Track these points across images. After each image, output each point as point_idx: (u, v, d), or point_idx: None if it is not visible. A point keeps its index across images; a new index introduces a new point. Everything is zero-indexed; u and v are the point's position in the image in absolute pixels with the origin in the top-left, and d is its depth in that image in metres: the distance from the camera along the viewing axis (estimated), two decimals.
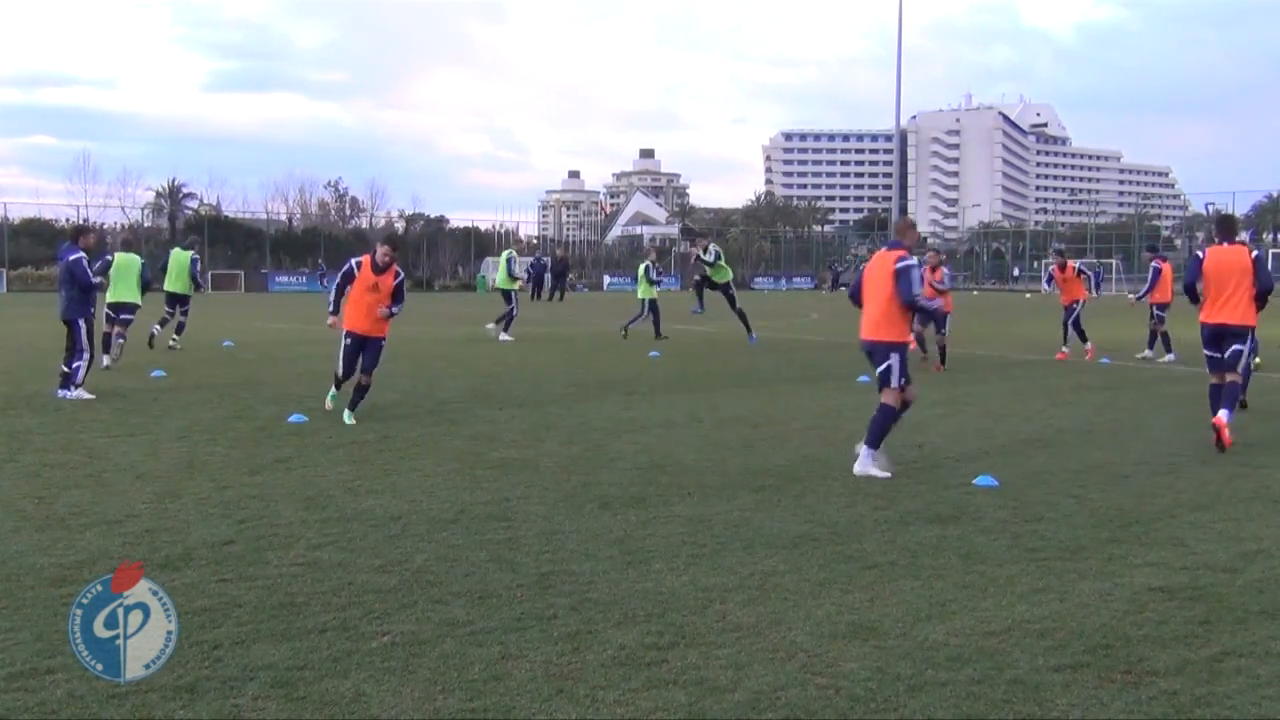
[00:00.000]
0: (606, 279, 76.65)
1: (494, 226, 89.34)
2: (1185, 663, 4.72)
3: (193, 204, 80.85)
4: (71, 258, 13.26)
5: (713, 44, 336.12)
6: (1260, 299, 10.36)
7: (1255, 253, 10.45)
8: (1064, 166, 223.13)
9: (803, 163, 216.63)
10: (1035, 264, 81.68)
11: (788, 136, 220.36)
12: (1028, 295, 61.38)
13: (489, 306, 43.66)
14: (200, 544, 6.52)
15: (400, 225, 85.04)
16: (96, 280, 13.44)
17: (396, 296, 11.37)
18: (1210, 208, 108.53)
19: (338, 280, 11.51)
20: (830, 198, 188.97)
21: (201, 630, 4.98)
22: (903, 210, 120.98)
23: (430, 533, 6.84)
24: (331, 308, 11.40)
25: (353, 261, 11.46)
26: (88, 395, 12.98)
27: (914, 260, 8.94)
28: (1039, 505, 7.72)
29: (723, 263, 22.19)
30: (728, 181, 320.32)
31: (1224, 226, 11.23)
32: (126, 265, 17.66)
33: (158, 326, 20.29)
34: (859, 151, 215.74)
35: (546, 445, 10.12)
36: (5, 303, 43.63)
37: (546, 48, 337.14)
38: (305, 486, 8.20)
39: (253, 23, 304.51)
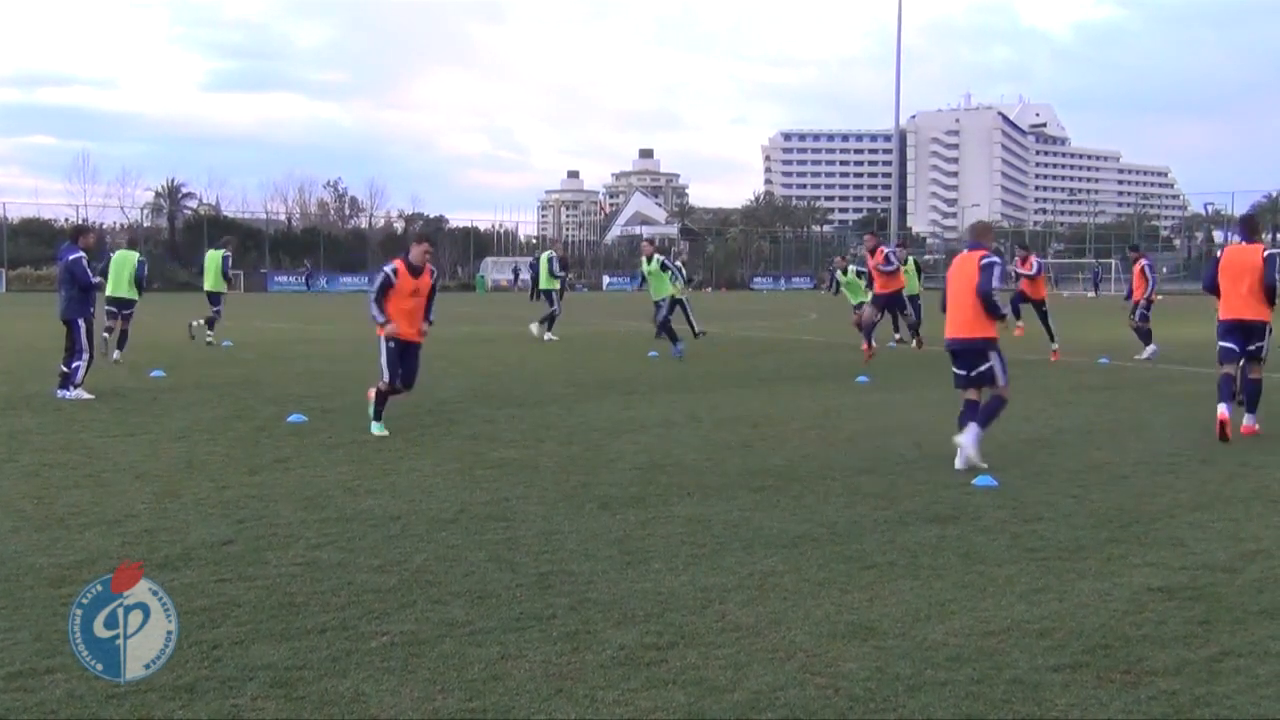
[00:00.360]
0: (606, 279, 76.67)
1: (493, 226, 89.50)
2: (1184, 663, 4.72)
3: (192, 204, 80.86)
4: (71, 257, 13.26)
5: (712, 44, 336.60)
6: (1268, 295, 10.63)
7: (1268, 251, 10.66)
8: (1063, 166, 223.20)
9: (802, 163, 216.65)
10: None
11: (787, 136, 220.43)
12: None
13: (489, 306, 43.65)
14: (199, 544, 6.52)
15: (399, 225, 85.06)
16: (96, 280, 13.45)
17: (430, 306, 10.93)
18: (1209, 208, 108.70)
19: (376, 292, 10.72)
20: (829, 198, 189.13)
21: (201, 630, 4.97)
22: (902, 210, 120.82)
23: (429, 533, 6.84)
24: (381, 317, 10.63)
25: (387, 269, 10.73)
26: (87, 395, 12.98)
27: (997, 259, 9.18)
28: (1038, 505, 7.72)
29: (669, 276, 19.88)
30: (727, 181, 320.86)
31: (1246, 226, 11.54)
32: (123, 262, 18.13)
33: (198, 321, 21.57)
34: (858, 151, 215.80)
35: (546, 445, 10.12)
36: (4, 302, 43.63)
37: (546, 48, 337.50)
38: (304, 486, 8.20)
39: (252, 22, 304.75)
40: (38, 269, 58.06)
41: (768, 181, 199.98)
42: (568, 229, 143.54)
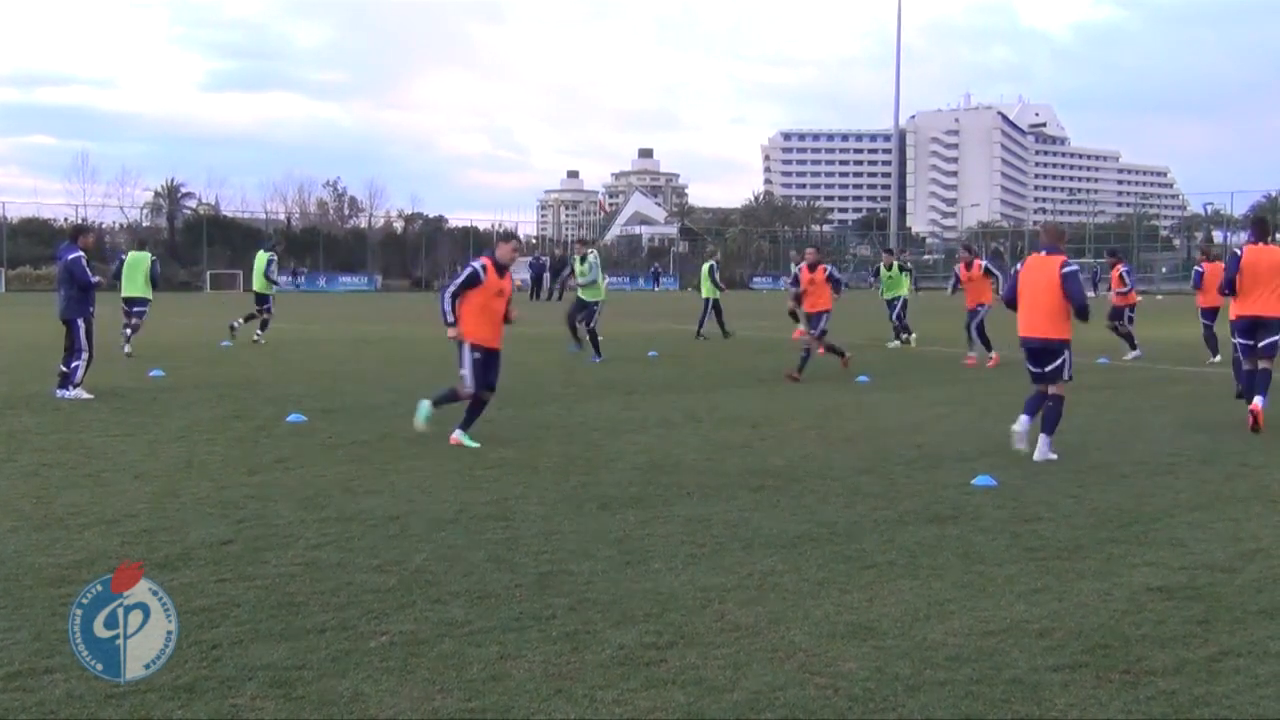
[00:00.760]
0: (605, 279, 76.59)
1: (493, 226, 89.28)
2: (1184, 662, 4.72)
3: (191, 204, 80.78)
4: (70, 257, 13.26)
5: (711, 44, 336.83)
6: None
7: None
8: (1062, 166, 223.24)
9: (801, 162, 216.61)
10: None
11: (786, 136, 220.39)
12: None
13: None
14: (199, 544, 6.52)
15: (399, 225, 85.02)
16: (95, 280, 13.43)
17: (508, 308, 10.33)
18: (1208, 208, 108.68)
19: (456, 287, 10.02)
20: (829, 197, 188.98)
21: (200, 630, 4.97)
22: (901, 210, 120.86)
23: (429, 533, 6.84)
24: (450, 318, 9.99)
25: (476, 265, 10.06)
26: (86, 395, 12.98)
27: (1077, 265, 9.86)
28: (1038, 505, 7.72)
29: (599, 279, 19.62)
30: (726, 181, 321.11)
31: (1259, 228, 12.05)
32: (136, 262, 19.44)
33: (239, 321, 22.05)
34: (858, 151, 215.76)
35: (545, 445, 10.12)
36: (4, 302, 43.62)
37: (545, 48, 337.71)
38: (304, 486, 8.20)
39: (251, 22, 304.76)
40: (37, 269, 58.03)
41: (767, 181, 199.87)
42: (567, 229, 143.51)
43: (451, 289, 10.06)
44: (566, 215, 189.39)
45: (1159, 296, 56.45)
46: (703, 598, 5.58)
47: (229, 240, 69.61)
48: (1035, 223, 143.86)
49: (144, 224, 74.79)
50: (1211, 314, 19.13)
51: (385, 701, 4.26)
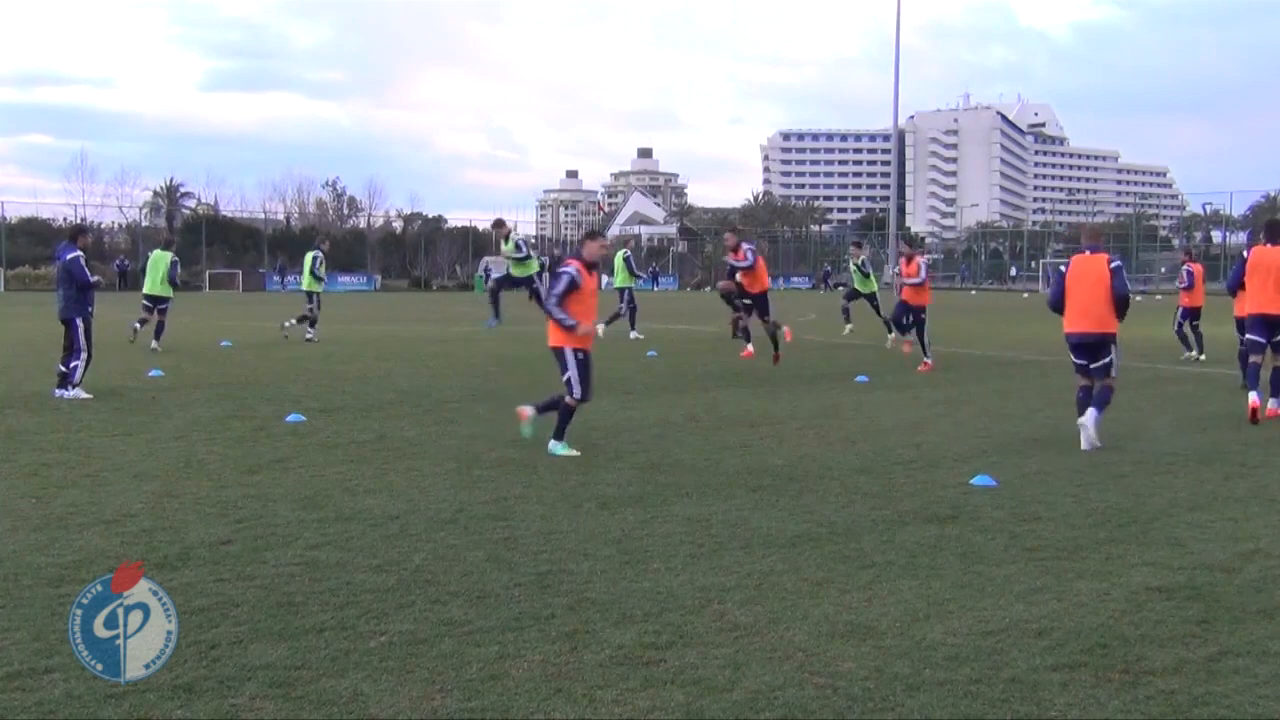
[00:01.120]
0: (604, 279, 76.59)
1: (492, 226, 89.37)
2: (1183, 662, 4.72)
3: (190, 203, 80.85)
4: (69, 257, 13.26)
5: (710, 44, 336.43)
6: None
7: None
8: (1062, 166, 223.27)
9: (800, 162, 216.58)
10: (1033, 264, 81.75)
11: (785, 136, 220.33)
12: (1025, 295, 61.40)
13: (488, 306, 43.64)
14: (198, 543, 6.52)
15: (398, 225, 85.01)
16: (94, 280, 13.44)
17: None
18: (1208, 207, 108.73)
19: (560, 293, 9.71)
20: (828, 197, 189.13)
21: (199, 630, 4.97)
22: (900, 210, 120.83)
23: (428, 532, 6.84)
24: (571, 320, 9.67)
25: (571, 270, 9.78)
26: (85, 395, 12.98)
27: (1121, 261, 10.45)
28: (1037, 505, 7.72)
29: (531, 256, 19.13)
30: (726, 181, 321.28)
31: (1272, 230, 12.48)
32: (157, 261, 20.45)
33: (290, 321, 22.67)
34: (857, 151, 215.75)
35: (544, 445, 10.11)
36: (3, 302, 43.61)
37: (544, 48, 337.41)
38: (303, 486, 8.20)
39: (250, 22, 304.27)
40: (36, 268, 58.05)
41: (766, 181, 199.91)
42: (566, 228, 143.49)
43: (555, 298, 9.76)
44: (565, 215, 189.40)
45: (1158, 296, 56.44)
46: (702, 597, 5.58)
47: (228, 240, 69.62)
48: (1034, 222, 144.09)
49: (143, 224, 74.83)
50: (1197, 313, 19.84)
51: (384, 701, 4.26)
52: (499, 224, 21.50)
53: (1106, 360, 10.25)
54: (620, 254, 25.23)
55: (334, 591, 5.61)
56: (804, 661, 4.70)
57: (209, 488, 8.10)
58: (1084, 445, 9.95)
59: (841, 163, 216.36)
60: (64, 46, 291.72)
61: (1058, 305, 10.51)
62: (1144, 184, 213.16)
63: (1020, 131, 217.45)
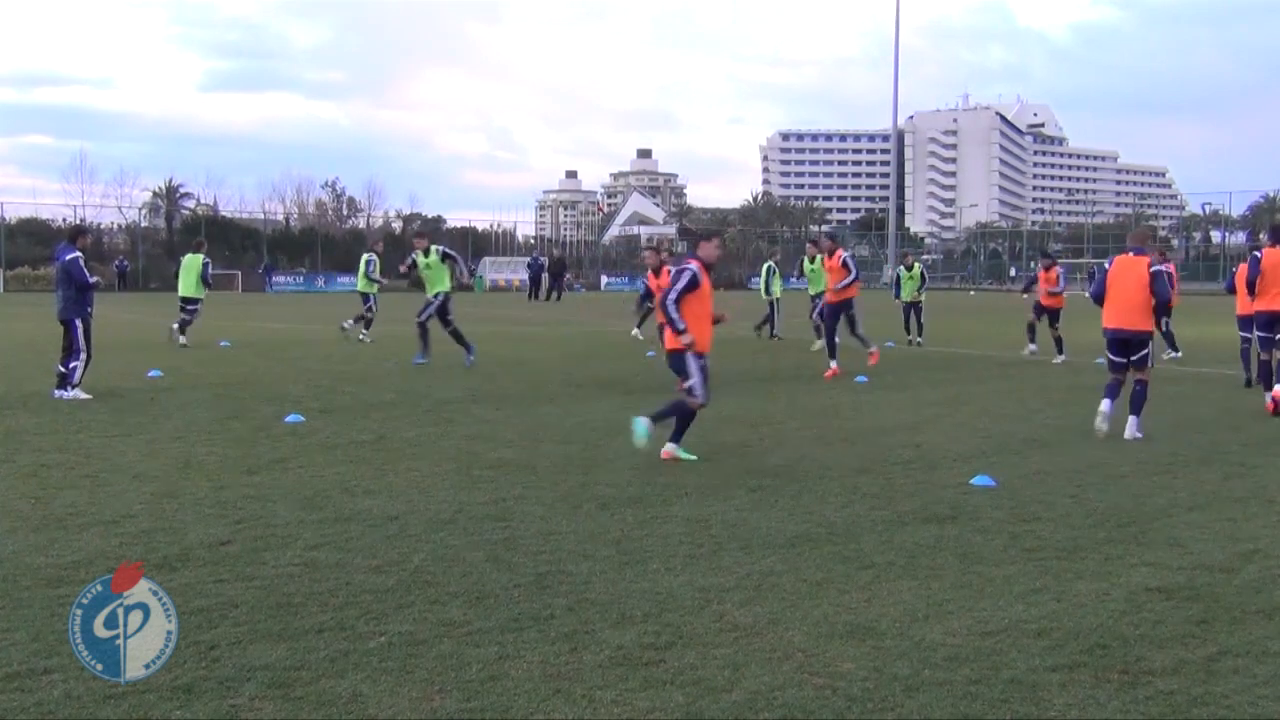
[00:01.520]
0: (604, 279, 76.62)
1: (491, 226, 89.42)
2: (1182, 662, 4.72)
3: (189, 204, 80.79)
4: (68, 257, 13.26)
5: (709, 44, 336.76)
6: None
7: None
8: (1061, 167, 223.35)
9: (800, 163, 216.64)
10: (1032, 264, 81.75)
11: (785, 136, 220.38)
12: (1025, 296, 61.35)
13: (487, 306, 43.63)
14: (197, 544, 6.52)
15: (398, 225, 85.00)
16: (93, 280, 13.45)
17: None
18: (1207, 208, 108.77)
19: (678, 294, 9.38)
20: (828, 198, 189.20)
21: (199, 630, 4.97)
22: (900, 210, 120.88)
23: (427, 533, 6.84)
24: (682, 325, 9.35)
25: (692, 268, 9.47)
26: (84, 395, 12.97)
27: (1164, 265, 11.25)
28: (1036, 505, 7.73)
29: (444, 267, 18.06)
30: (725, 181, 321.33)
31: (1276, 233, 13.73)
32: (190, 265, 21.79)
33: (349, 322, 23.26)
34: (856, 151, 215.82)
35: (544, 445, 10.12)
36: (2, 302, 43.61)
37: (543, 48, 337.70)
38: (302, 487, 8.20)
39: (249, 22, 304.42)
40: (35, 269, 58.05)
41: (765, 181, 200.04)
42: (566, 229, 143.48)
43: (674, 297, 9.39)
44: (565, 215, 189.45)
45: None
46: (701, 598, 5.58)
47: (227, 240, 69.54)
48: (1033, 223, 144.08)
49: (142, 224, 74.82)
50: (1169, 311, 19.83)
51: (384, 702, 4.26)
52: (421, 236, 19.93)
53: (1144, 353, 10.89)
54: (765, 266, 25.26)
55: (333, 592, 5.61)
56: (803, 662, 4.70)
57: (208, 488, 8.10)
58: (1098, 424, 10.59)
59: (841, 163, 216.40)
60: (63, 47, 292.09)
61: (1099, 299, 11.12)
62: (1143, 184, 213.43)
63: (1019, 132, 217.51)
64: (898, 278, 24.75)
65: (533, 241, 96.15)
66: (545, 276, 53.59)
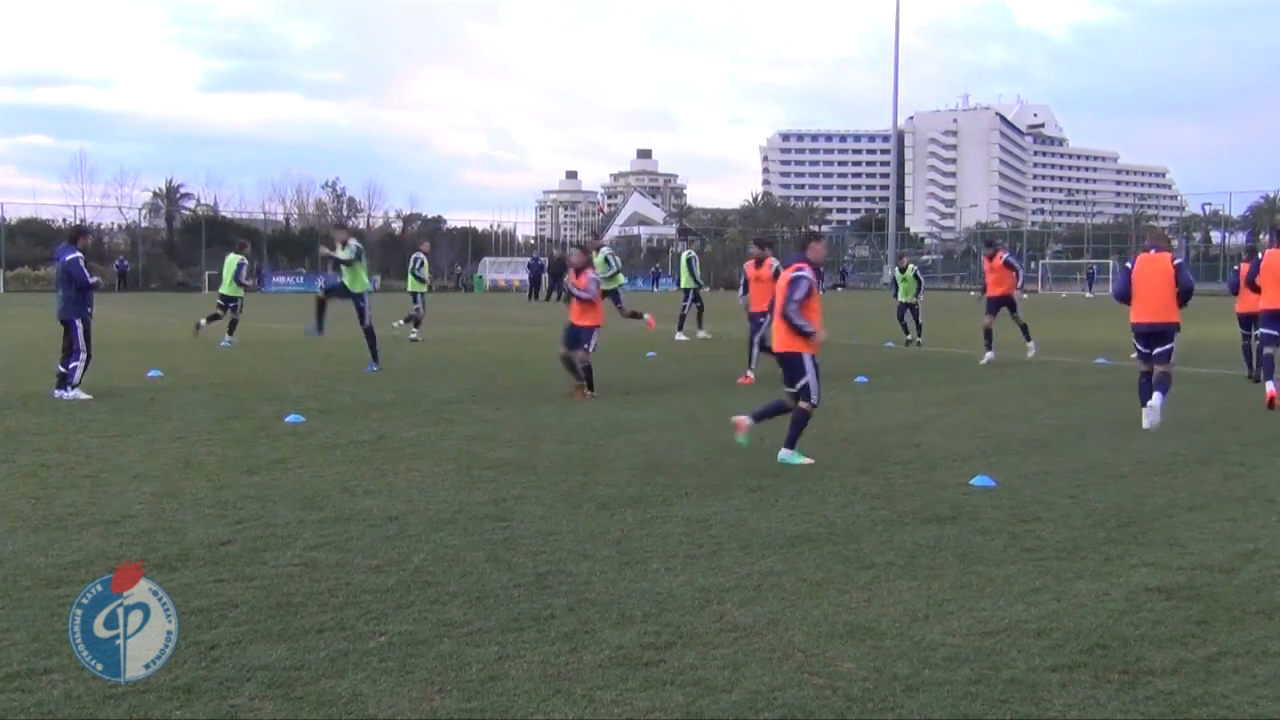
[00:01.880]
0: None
1: (491, 227, 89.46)
2: (1182, 662, 4.72)
3: (189, 204, 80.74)
4: (68, 258, 13.26)
5: (709, 44, 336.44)
6: None
7: None
8: (1061, 167, 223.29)
9: (800, 163, 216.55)
10: (1032, 264, 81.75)
11: (785, 137, 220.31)
12: (1024, 296, 61.31)
13: (487, 306, 43.63)
14: (197, 544, 6.52)
15: (398, 225, 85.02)
16: (93, 280, 13.45)
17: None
18: (1207, 208, 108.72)
19: (799, 300, 9.31)
20: (828, 198, 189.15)
21: (198, 630, 4.97)
22: (900, 210, 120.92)
23: (427, 533, 6.84)
24: (810, 327, 9.32)
25: (807, 274, 9.43)
26: (84, 395, 12.98)
27: (1183, 259, 11.93)
28: (1036, 505, 7.73)
29: (361, 264, 17.24)
30: (725, 182, 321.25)
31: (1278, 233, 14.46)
32: (228, 264, 22.58)
33: (400, 322, 24.01)
34: (856, 152, 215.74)
35: (543, 445, 10.12)
36: (2, 303, 43.61)
37: (543, 48, 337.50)
38: (302, 487, 8.20)
39: (249, 22, 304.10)
40: (35, 269, 58.06)
41: (765, 182, 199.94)
42: (566, 229, 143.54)
43: (795, 303, 9.33)
44: (565, 216, 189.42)
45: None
46: (701, 598, 5.58)
47: (227, 240, 69.38)
48: (1033, 223, 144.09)
49: (142, 224, 74.78)
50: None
51: (384, 702, 4.26)
52: (340, 227, 19.33)
53: (1168, 346, 11.55)
54: (684, 256, 25.27)
55: (333, 592, 5.61)
56: (803, 662, 4.70)
57: (208, 488, 8.10)
58: (1145, 424, 11.08)
59: (841, 163, 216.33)
60: (63, 47, 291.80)
61: (1124, 297, 11.85)
62: (1143, 184, 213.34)
63: (1019, 132, 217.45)
64: (894, 279, 24.82)
65: (533, 242, 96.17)
66: (545, 277, 53.57)
